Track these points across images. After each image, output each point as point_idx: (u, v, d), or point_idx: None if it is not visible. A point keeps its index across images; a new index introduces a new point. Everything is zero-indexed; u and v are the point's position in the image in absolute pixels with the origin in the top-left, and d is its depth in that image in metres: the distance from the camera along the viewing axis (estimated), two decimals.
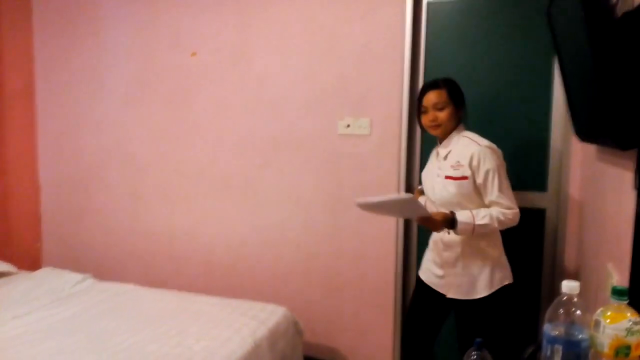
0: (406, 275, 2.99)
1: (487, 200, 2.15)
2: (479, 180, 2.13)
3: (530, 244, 2.76)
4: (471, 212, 2.12)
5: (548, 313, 1.13)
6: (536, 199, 2.73)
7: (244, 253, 3.31)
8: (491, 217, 2.10)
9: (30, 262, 3.74)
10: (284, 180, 3.17)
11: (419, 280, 2.46)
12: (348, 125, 2.96)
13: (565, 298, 1.11)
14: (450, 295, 2.28)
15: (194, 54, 3.29)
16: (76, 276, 3.13)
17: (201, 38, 3.27)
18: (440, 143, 2.29)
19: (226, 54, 3.23)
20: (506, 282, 2.26)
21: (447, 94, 2.21)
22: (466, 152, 2.15)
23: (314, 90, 3.04)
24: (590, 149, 2.22)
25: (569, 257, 2.65)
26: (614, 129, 1.34)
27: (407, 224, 2.96)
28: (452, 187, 2.18)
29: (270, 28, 3.11)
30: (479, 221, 2.09)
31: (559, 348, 1.09)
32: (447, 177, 2.19)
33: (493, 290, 2.21)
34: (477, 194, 2.17)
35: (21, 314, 2.59)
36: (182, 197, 3.44)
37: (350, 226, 3.01)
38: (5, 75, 3.63)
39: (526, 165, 2.74)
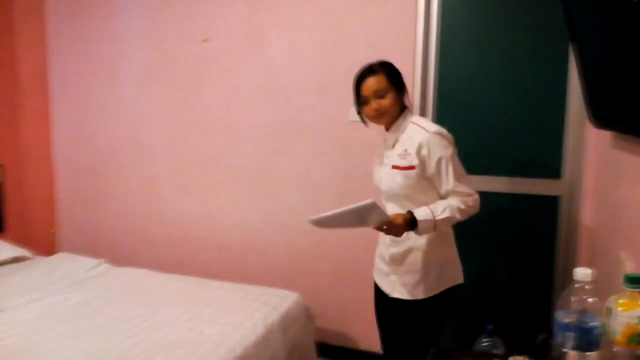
0: None
1: (443, 191, 1.95)
2: (431, 170, 1.92)
3: (544, 231, 2.74)
4: (429, 208, 1.89)
5: (560, 300, 1.12)
6: (550, 186, 2.71)
7: (256, 239, 3.32)
8: (452, 209, 1.90)
9: (46, 247, 3.79)
10: (295, 166, 3.17)
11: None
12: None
13: (578, 285, 1.10)
14: (394, 295, 2.08)
15: (205, 40, 3.28)
16: (91, 261, 3.17)
17: (213, 25, 3.27)
18: (387, 130, 2.06)
19: (238, 41, 3.22)
20: (456, 283, 2.09)
21: (387, 78, 1.97)
22: (414, 139, 1.94)
23: (325, 77, 3.03)
24: (606, 135, 2.19)
25: (583, 244, 2.64)
26: (631, 115, 1.32)
27: None
28: (399, 177, 1.98)
29: (281, 15, 3.10)
30: (440, 215, 1.87)
31: (571, 335, 1.09)
32: (394, 167, 1.99)
33: (441, 290, 2.04)
34: (427, 184, 1.97)
35: (36, 299, 2.63)
36: (195, 183, 3.46)
37: None
38: (19, 62, 3.65)
39: (541, 152, 2.72)
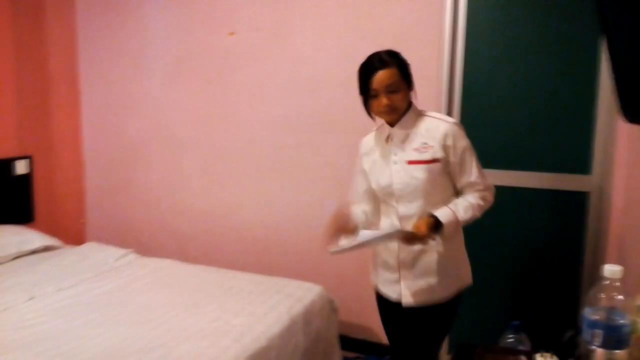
0: None
1: (463, 182, 1.89)
2: (455, 159, 1.86)
3: (572, 228, 2.70)
4: (450, 209, 1.83)
5: (589, 297, 1.11)
6: (579, 181, 2.66)
7: (280, 231, 3.34)
8: (473, 208, 1.85)
9: (75, 237, 3.87)
10: (320, 159, 3.17)
11: (376, 291, 2.14)
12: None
13: (606, 282, 1.09)
14: (406, 302, 1.96)
15: (231, 33, 3.30)
16: (119, 251, 3.23)
17: (239, 18, 3.28)
18: (393, 126, 1.92)
19: (264, 34, 3.23)
20: (468, 283, 2.02)
21: (398, 72, 1.84)
22: (435, 132, 1.86)
23: (352, 70, 2.99)
24: (637, 130, 2.15)
25: (612, 241, 2.59)
26: None
27: None
28: (420, 172, 1.85)
29: (307, 7, 3.09)
30: (463, 216, 1.82)
31: (599, 332, 1.07)
32: (410, 162, 1.86)
33: (457, 291, 1.97)
34: (446, 180, 1.90)
35: (66, 287, 2.69)
36: (221, 176, 3.49)
37: None
38: (50, 56, 3.73)
39: (570, 147, 2.67)
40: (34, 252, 3.18)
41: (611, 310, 1.08)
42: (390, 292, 2.01)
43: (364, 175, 2.04)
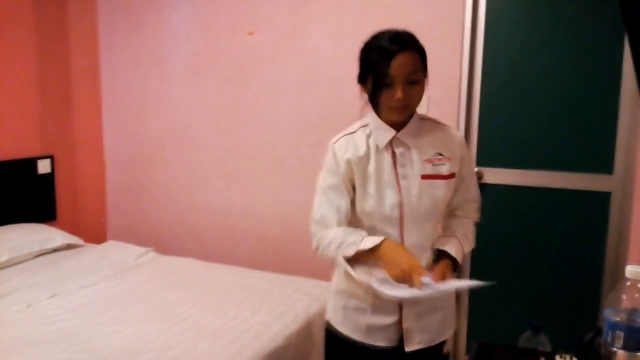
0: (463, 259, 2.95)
1: (462, 199, 1.65)
2: (464, 174, 1.62)
3: (594, 228, 2.67)
4: (457, 241, 1.59)
5: (610, 298, 1.09)
6: (601, 181, 2.63)
7: (298, 230, 3.35)
8: (472, 231, 1.68)
9: (96, 235, 3.92)
10: None
11: (338, 340, 1.66)
12: None
13: (629, 283, 1.07)
14: (412, 346, 1.58)
15: (251, 33, 3.32)
16: (139, 249, 3.26)
17: (258, 18, 3.29)
18: (398, 131, 1.54)
19: (282, 34, 3.24)
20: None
21: (420, 58, 1.51)
22: (449, 141, 1.58)
23: None
24: None
25: (635, 242, 2.55)
26: None
27: None
28: (439, 189, 1.54)
29: (325, 7, 3.10)
30: (467, 248, 1.63)
31: (620, 334, 1.06)
32: (425, 178, 1.52)
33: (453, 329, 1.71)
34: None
35: (88, 284, 2.73)
36: (239, 175, 3.51)
37: None
38: (72, 55, 3.78)
39: (592, 146, 2.64)
40: (55, 250, 3.23)
41: (633, 311, 1.06)
42: (380, 339, 1.59)
43: (345, 192, 1.56)
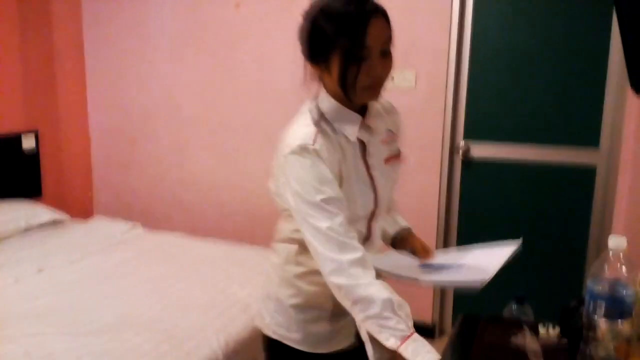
0: (447, 232, 2.98)
1: None
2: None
3: (579, 200, 2.70)
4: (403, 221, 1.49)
5: (593, 268, 1.11)
6: (588, 155, 2.65)
7: None
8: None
9: (82, 211, 3.89)
10: None
11: None
12: (392, 78, 2.90)
13: (611, 254, 1.09)
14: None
15: (237, 5, 3.27)
16: (126, 225, 3.26)
17: None
18: (364, 116, 1.28)
19: (270, 6, 3.19)
20: None
21: (390, 25, 1.22)
22: (394, 114, 1.41)
23: None
24: None
25: (619, 214, 2.58)
26: None
27: (451, 182, 2.93)
28: (397, 173, 1.37)
29: None
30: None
31: (601, 304, 1.07)
32: (387, 161, 1.33)
33: None
34: None
35: (75, 260, 2.73)
36: (227, 149, 3.49)
37: None
38: (55, 30, 3.70)
39: (579, 120, 2.65)
40: (42, 226, 3.21)
41: (615, 281, 1.08)
42: (343, 340, 1.39)
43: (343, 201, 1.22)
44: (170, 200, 3.73)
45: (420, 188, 2.93)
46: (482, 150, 2.84)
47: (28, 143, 3.54)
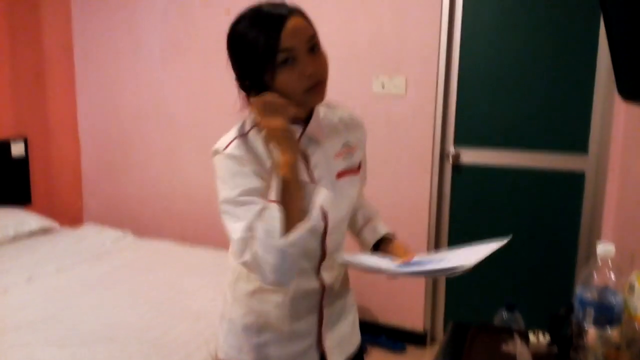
0: (438, 239, 2.98)
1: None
2: (365, 159, 1.42)
3: (568, 207, 2.71)
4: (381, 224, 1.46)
5: (582, 276, 1.12)
6: (576, 161, 2.67)
7: None
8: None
9: (72, 218, 3.87)
10: None
11: None
12: (383, 86, 2.92)
13: (600, 261, 1.09)
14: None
15: (228, 11, 3.26)
16: (116, 233, 3.24)
17: None
18: (307, 124, 1.22)
19: None
20: None
21: (311, 24, 1.22)
22: (352, 125, 1.36)
23: (348, 48, 2.99)
24: (634, 109, 2.14)
25: (607, 221, 2.60)
26: None
27: (441, 188, 2.93)
28: (356, 187, 1.33)
29: None
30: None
31: (590, 310, 1.08)
32: (340, 175, 1.27)
33: None
34: None
35: (64, 268, 2.70)
36: None
37: (383, 188, 3.00)
38: (44, 35, 3.69)
39: (567, 126, 2.67)
40: (31, 234, 3.18)
41: (604, 288, 1.08)
42: None
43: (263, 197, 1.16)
44: (160, 207, 3.71)
45: (410, 194, 2.94)
46: (472, 156, 2.85)
47: (17, 149, 3.51)
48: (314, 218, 1.12)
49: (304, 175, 1.20)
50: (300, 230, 1.08)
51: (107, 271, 2.69)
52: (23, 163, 3.56)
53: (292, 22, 1.13)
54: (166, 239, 3.26)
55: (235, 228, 1.16)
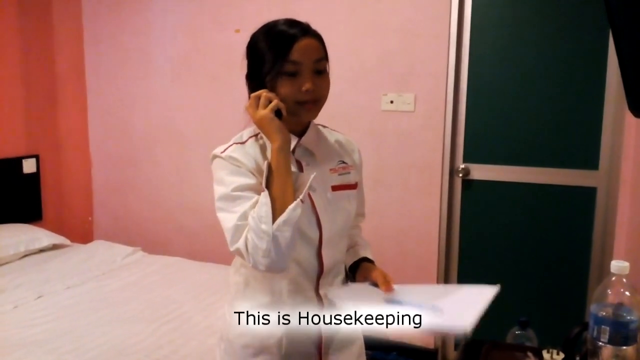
0: (449, 255, 2.97)
1: (357, 211, 1.42)
2: (361, 184, 1.45)
3: (580, 223, 2.69)
4: (368, 247, 1.48)
5: (596, 293, 1.10)
6: (587, 177, 2.65)
7: None
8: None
9: (83, 235, 3.88)
10: None
11: None
12: (392, 102, 2.93)
13: (614, 278, 1.08)
14: None
15: (238, 30, 3.30)
16: (126, 249, 3.24)
17: (245, 15, 3.27)
18: (300, 139, 1.30)
19: None
20: None
21: (324, 49, 1.29)
22: (349, 147, 1.42)
23: (358, 65, 3.01)
24: None
25: (620, 237, 2.58)
26: None
27: (451, 204, 2.92)
28: (352, 201, 1.36)
29: (313, 5, 3.09)
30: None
31: (606, 329, 1.07)
32: (335, 189, 1.31)
33: None
34: None
35: (75, 284, 2.71)
36: None
37: (393, 204, 2.99)
38: (56, 54, 3.74)
39: (578, 143, 2.66)
40: (42, 250, 3.20)
41: (619, 306, 1.07)
42: None
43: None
44: (170, 224, 3.72)
45: (420, 210, 2.93)
46: (482, 173, 2.84)
47: (29, 167, 3.55)
48: (302, 195, 1.16)
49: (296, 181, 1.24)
50: (288, 211, 1.14)
51: (117, 287, 2.70)
52: (34, 180, 3.59)
53: (306, 40, 1.23)
54: (176, 256, 3.26)
55: (228, 217, 1.22)
